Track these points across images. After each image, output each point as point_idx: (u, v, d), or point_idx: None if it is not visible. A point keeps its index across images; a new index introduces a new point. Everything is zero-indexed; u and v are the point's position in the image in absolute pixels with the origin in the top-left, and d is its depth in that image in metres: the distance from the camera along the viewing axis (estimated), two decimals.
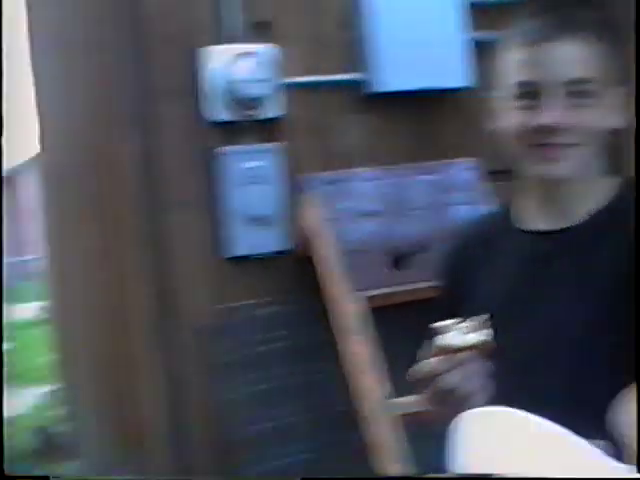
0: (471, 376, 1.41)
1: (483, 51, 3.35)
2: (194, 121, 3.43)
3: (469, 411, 1.33)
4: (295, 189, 3.44)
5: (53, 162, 6.36)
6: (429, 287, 3.15)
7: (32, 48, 6.86)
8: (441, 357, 1.41)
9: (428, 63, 3.60)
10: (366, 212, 3.33)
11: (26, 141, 13.28)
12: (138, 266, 3.58)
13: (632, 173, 1.53)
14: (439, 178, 3.48)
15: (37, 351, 10.37)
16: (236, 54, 3.44)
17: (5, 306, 13.29)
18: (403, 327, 3.32)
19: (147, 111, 3.43)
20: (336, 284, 3.15)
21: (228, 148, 3.43)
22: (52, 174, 6.50)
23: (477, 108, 3.57)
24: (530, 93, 1.51)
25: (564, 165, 1.51)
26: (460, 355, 1.40)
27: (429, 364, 1.42)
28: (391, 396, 2.98)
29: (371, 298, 3.14)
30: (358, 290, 3.12)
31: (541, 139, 1.50)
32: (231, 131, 3.46)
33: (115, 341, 4.37)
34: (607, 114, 1.52)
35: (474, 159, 3.62)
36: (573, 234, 1.54)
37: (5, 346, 10.07)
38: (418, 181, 3.47)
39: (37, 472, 6.22)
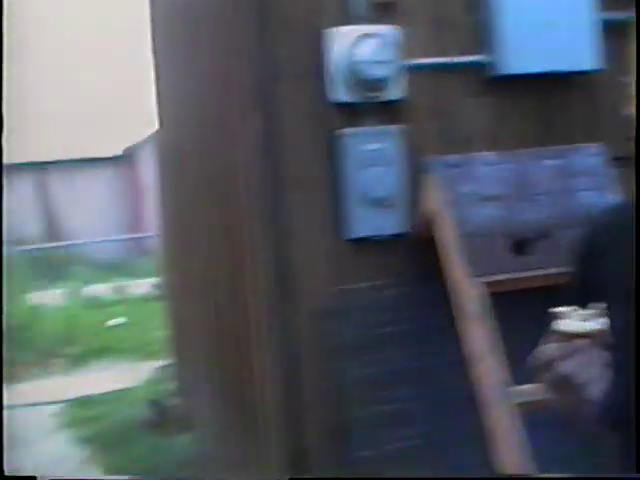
0: (587, 364, 1.38)
1: (613, 32, 3.26)
2: (317, 102, 3.44)
3: None
4: (416, 172, 3.42)
5: (169, 141, 6.50)
6: (551, 274, 3.13)
7: (153, 31, 7.01)
8: (558, 343, 1.40)
9: (555, 45, 3.51)
10: (488, 196, 3.28)
11: (144, 119, 13.60)
12: (257, 246, 3.62)
13: None
14: (564, 163, 3.40)
15: (151, 326, 10.63)
16: (359, 35, 3.43)
17: (121, 281, 13.65)
18: (523, 314, 3.28)
19: (270, 92, 3.46)
20: (456, 268, 3.12)
21: (350, 130, 3.43)
22: (168, 153, 6.65)
23: (606, 92, 3.51)
24: None
25: None
26: (577, 342, 1.38)
27: (547, 350, 1.40)
28: (509, 383, 2.94)
29: (491, 283, 3.09)
30: (478, 275, 3.08)
31: None
32: (353, 113, 3.46)
33: (230, 320, 4.44)
34: None
35: (601, 144, 3.53)
36: None
37: (120, 320, 10.38)
38: (542, 166, 3.39)
39: (143, 444, 6.37)
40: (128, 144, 21.98)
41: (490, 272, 3.12)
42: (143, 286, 14.11)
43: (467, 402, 3.25)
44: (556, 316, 1.40)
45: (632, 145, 1.54)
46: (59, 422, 7.62)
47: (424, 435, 3.49)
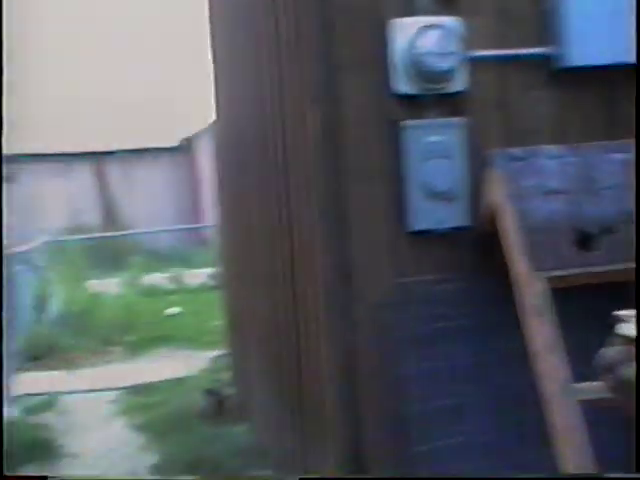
0: None
1: None
2: (379, 93, 3.42)
3: None
4: (479, 165, 3.38)
5: (228, 133, 6.53)
6: (615, 271, 3.07)
7: (212, 22, 7.05)
8: (621, 347, 1.37)
9: (621, 37, 3.44)
10: (552, 190, 3.22)
11: (202, 110, 13.70)
12: (317, 238, 3.61)
13: None
14: (630, 157, 3.33)
15: (207, 316, 10.72)
16: (422, 26, 3.40)
17: (177, 271, 13.76)
18: (586, 310, 3.23)
19: (332, 83, 3.45)
20: (519, 263, 3.08)
21: (412, 121, 3.41)
22: (226, 144, 6.68)
23: None
24: None
25: None
26: None
27: (610, 352, 1.38)
28: (571, 380, 2.89)
29: (555, 278, 3.04)
30: (542, 270, 3.03)
31: None
32: (415, 104, 3.43)
33: (288, 311, 4.45)
34: None
35: None
36: None
37: (177, 310, 10.49)
38: (608, 160, 3.33)
39: (198, 433, 6.42)
40: (186, 135, 22.16)
41: (553, 267, 3.08)
42: (199, 276, 14.25)
43: (526, 399, 3.21)
44: (619, 319, 1.37)
45: None
46: (116, 409, 7.72)
47: (482, 431, 3.46)
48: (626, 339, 1.36)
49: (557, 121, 3.55)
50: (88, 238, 17.50)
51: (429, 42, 3.37)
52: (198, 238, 19.75)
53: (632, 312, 1.37)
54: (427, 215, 3.39)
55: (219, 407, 6.92)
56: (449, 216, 3.41)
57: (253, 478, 4.61)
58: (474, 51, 3.47)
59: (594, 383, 2.52)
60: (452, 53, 3.39)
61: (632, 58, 3.46)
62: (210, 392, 7.14)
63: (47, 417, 7.51)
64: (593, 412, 2.70)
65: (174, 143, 22.76)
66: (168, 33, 23.98)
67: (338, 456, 3.65)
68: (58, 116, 20.99)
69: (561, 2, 3.50)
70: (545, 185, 3.22)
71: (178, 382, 8.24)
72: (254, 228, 5.26)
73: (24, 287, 10.87)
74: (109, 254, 16.53)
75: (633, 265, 2.63)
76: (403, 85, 3.40)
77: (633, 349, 1.36)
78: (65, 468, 6.15)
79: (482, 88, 3.50)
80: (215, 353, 8.75)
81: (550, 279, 3.01)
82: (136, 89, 22.13)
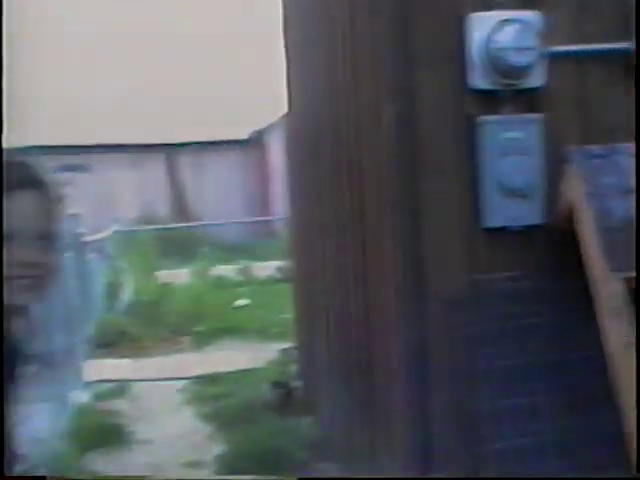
0: None
1: None
2: (455, 89, 3.39)
3: None
4: (556, 162, 3.33)
5: (299, 126, 6.54)
6: None
7: (285, 16, 7.07)
8: None
9: None
10: (632, 189, 3.16)
11: (272, 103, 13.77)
12: (390, 233, 3.60)
13: None
14: None
15: (275, 308, 10.78)
16: (500, 21, 3.35)
17: (246, 263, 13.85)
18: None
19: (407, 77, 3.43)
20: (596, 262, 3.02)
21: (488, 117, 3.37)
22: (297, 137, 6.70)
23: None
24: None
25: None
26: None
27: None
28: None
29: (632, 279, 2.98)
30: (619, 270, 2.97)
31: None
32: (492, 100, 3.39)
33: (358, 305, 4.44)
34: None
35: None
36: None
37: (245, 301, 10.57)
38: None
39: (265, 425, 6.46)
40: (256, 127, 22.30)
41: (631, 268, 3.01)
42: (267, 269, 14.34)
43: (599, 400, 3.16)
44: None
45: None
46: (184, 398, 7.82)
47: (554, 431, 3.42)
48: None
49: (638, 118, 3.47)
50: (158, 229, 17.73)
51: (507, 37, 3.33)
52: (267, 231, 19.88)
53: None
54: (502, 212, 3.35)
55: (286, 399, 6.95)
56: (524, 213, 3.37)
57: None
58: (553, 46, 3.41)
59: None
60: (530, 48, 3.34)
61: None
62: (277, 384, 7.18)
63: (117, 404, 7.64)
64: None
65: (244, 136, 22.94)
66: (239, 29, 24.15)
67: (406, 452, 3.64)
68: (132, 109, 21.31)
69: None
70: (624, 184, 3.16)
71: (245, 373, 8.31)
72: (325, 222, 5.27)
73: (96, 275, 11.08)
74: (179, 245, 16.73)
75: None
76: (480, 80, 3.36)
77: None
78: (134, 454, 6.25)
79: (560, 84, 3.44)
80: (283, 346, 8.79)
81: (628, 280, 2.95)
82: (208, 84, 22.35)
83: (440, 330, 3.39)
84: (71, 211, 7.89)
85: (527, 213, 3.37)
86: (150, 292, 12.30)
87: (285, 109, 7.46)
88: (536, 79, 3.39)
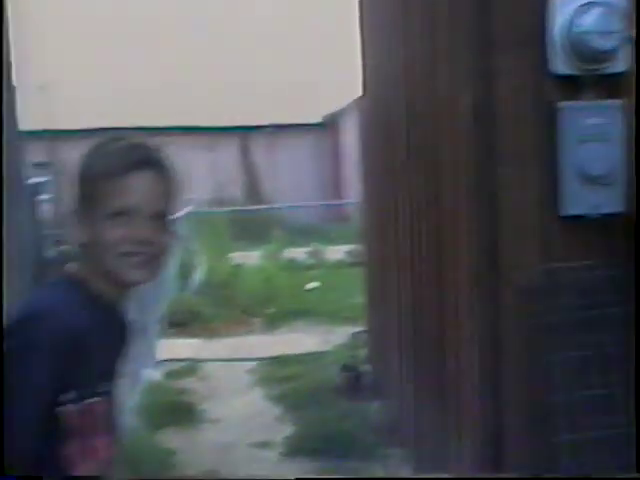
0: None
1: None
2: (535, 73, 3.32)
3: None
4: (638, 149, 3.24)
5: (374, 109, 6.50)
6: None
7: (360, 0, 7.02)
8: None
9: None
10: None
11: (345, 87, 13.74)
12: (467, 217, 3.56)
13: None
14: None
15: (345, 292, 10.78)
16: (584, 4, 3.28)
17: (317, 246, 13.86)
18: None
19: (486, 61, 3.38)
20: None
21: (569, 103, 3.30)
22: (372, 121, 6.66)
23: None
24: None
25: None
26: None
27: None
28: None
29: None
30: None
31: None
32: (573, 85, 3.32)
33: (430, 291, 4.41)
34: None
35: None
36: None
37: (316, 284, 10.56)
38: None
39: (334, 408, 6.48)
40: (329, 111, 22.29)
41: None
42: (338, 252, 14.34)
43: None
44: None
45: None
46: (254, 379, 7.88)
47: (629, 424, 3.35)
48: None
49: None
50: (231, 211, 17.86)
51: (591, 20, 3.25)
52: (339, 214, 19.88)
53: None
54: (581, 200, 3.28)
55: (355, 383, 6.96)
56: (604, 201, 3.29)
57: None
58: (637, 30, 3.32)
59: None
60: (615, 32, 3.26)
61: None
62: (346, 368, 7.19)
63: (188, 382, 7.74)
64: None
65: (318, 119, 22.96)
66: (316, 12, 24.13)
67: (476, 440, 3.61)
68: (208, 92, 21.49)
69: None
70: None
71: (315, 356, 8.33)
72: (398, 207, 5.24)
73: (170, 256, 11.20)
74: (251, 227, 16.83)
75: None
76: (561, 65, 3.29)
77: None
78: (204, 433, 6.33)
79: None
80: (353, 329, 8.79)
81: None
82: (283, 67, 22.41)
83: (514, 318, 3.34)
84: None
85: (607, 201, 3.29)
86: (222, 273, 12.41)
87: (359, 93, 7.43)
88: (619, 64, 3.31)
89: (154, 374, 7.66)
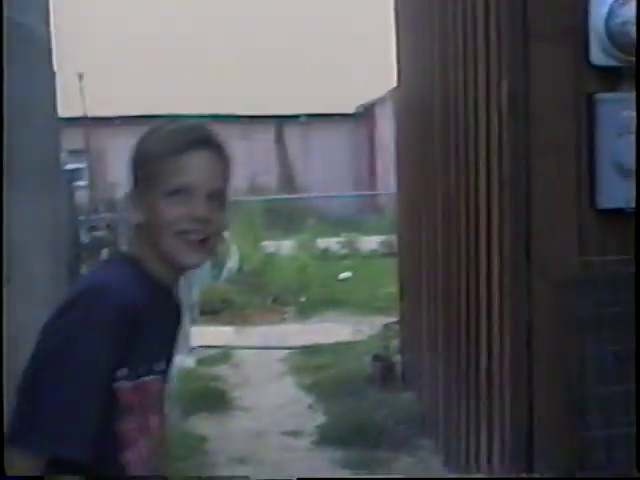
0: None
1: None
2: (572, 65, 3.29)
3: None
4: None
5: (410, 100, 6.47)
6: None
7: None
8: None
9: None
10: None
11: (380, 77, 13.70)
12: (500, 211, 3.54)
13: None
14: None
15: (378, 282, 10.77)
16: None
17: (350, 236, 13.81)
18: None
19: (523, 53, 3.35)
20: None
21: (607, 95, 3.27)
22: (408, 112, 6.63)
23: None
24: None
25: None
26: None
27: None
28: None
29: None
30: None
31: None
32: (612, 76, 3.29)
33: (463, 283, 4.39)
34: None
35: None
36: None
37: (348, 274, 10.51)
38: None
39: (365, 397, 6.48)
40: (363, 101, 22.23)
41: None
42: (371, 243, 14.32)
43: None
44: None
45: None
46: (286, 367, 7.90)
47: None
48: None
49: None
50: (265, 199, 17.89)
51: (631, 11, 3.21)
52: (372, 205, 19.85)
53: None
54: (617, 193, 3.25)
55: (386, 373, 6.95)
56: None
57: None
58: None
59: None
60: None
61: None
62: (378, 358, 7.18)
63: (220, 369, 7.78)
64: None
65: (353, 109, 22.91)
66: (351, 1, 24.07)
67: (508, 433, 3.60)
68: (243, 80, 21.52)
69: None
70: None
71: (347, 346, 8.32)
72: (433, 197, 5.22)
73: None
74: (285, 216, 16.84)
75: None
76: (600, 56, 3.26)
77: None
78: (236, 420, 6.36)
79: None
80: (385, 320, 8.78)
81: None
82: (318, 56, 22.37)
83: (548, 311, 3.32)
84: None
85: None
86: (255, 262, 12.44)
87: (394, 83, 7.39)
88: None
89: (187, 360, 7.71)
